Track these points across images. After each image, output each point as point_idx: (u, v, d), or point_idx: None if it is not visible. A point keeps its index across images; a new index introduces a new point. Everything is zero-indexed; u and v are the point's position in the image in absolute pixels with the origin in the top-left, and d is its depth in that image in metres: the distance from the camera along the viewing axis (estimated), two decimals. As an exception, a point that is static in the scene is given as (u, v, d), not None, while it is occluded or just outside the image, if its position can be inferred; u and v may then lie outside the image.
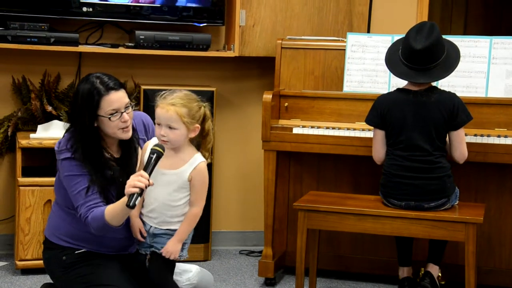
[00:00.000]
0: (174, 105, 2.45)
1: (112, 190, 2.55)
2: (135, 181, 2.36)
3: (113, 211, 2.44)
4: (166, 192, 2.52)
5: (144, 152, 2.55)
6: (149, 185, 2.38)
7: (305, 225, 3.18)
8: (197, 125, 2.49)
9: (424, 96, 3.12)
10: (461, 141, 3.14)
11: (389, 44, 3.57)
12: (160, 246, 2.55)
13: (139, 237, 2.57)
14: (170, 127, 2.45)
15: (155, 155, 2.43)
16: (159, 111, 2.48)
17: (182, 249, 2.55)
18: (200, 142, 2.57)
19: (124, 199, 2.40)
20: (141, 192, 2.37)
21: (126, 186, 2.37)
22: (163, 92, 2.52)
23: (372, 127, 3.28)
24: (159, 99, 2.49)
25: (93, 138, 2.53)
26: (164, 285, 2.55)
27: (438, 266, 3.29)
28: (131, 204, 2.35)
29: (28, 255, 3.52)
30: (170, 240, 2.52)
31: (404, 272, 3.32)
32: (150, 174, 2.40)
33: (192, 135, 2.49)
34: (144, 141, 2.68)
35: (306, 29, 3.98)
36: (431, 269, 3.27)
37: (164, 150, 2.45)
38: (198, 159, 2.52)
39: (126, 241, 2.65)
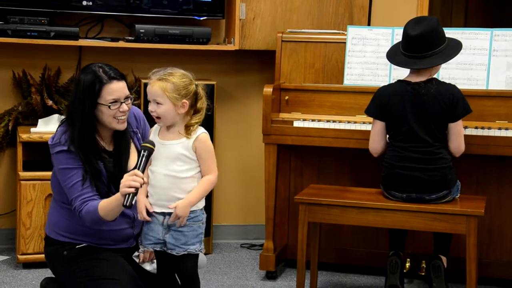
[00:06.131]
0: (160, 80, 2.48)
1: (104, 181, 2.55)
2: (130, 181, 2.35)
3: (107, 207, 2.45)
4: (170, 163, 2.49)
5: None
6: (143, 183, 2.38)
7: (306, 218, 3.18)
8: (185, 100, 2.48)
9: (423, 88, 3.12)
10: (459, 134, 3.13)
11: (389, 37, 3.57)
12: (171, 245, 2.50)
13: (144, 215, 2.47)
14: (157, 103, 2.48)
15: (146, 152, 2.43)
16: (148, 87, 2.52)
17: (201, 242, 2.54)
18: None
19: (118, 196, 2.40)
20: (137, 191, 2.37)
21: (121, 186, 2.37)
22: (156, 69, 2.53)
23: (372, 120, 3.28)
24: (150, 76, 2.52)
25: (89, 128, 2.53)
26: (190, 277, 2.55)
27: (446, 257, 3.27)
28: (127, 204, 2.36)
29: (30, 249, 3.53)
30: (180, 202, 2.46)
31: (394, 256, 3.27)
32: (143, 172, 2.40)
33: (181, 111, 2.49)
34: (136, 134, 2.69)
35: (306, 22, 3.97)
36: (440, 260, 3.24)
37: (154, 146, 2.45)
38: (199, 130, 2.53)
39: (126, 232, 2.65)
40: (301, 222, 3.19)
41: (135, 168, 2.42)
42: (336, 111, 3.54)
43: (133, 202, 2.37)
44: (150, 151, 2.45)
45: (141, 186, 2.38)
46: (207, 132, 2.55)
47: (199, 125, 2.55)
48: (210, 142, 2.54)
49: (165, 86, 2.46)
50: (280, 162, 3.61)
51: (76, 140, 2.51)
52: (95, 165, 2.53)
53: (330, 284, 3.53)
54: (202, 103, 2.54)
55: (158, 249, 2.54)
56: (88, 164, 2.52)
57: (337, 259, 3.69)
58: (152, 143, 2.46)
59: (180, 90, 2.47)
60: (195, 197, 2.49)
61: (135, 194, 2.37)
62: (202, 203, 2.57)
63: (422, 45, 3.09)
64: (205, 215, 2.59)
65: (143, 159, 2.43)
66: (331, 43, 3.72)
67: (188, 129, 2.51)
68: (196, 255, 2.56)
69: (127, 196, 2.36)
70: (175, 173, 2.50)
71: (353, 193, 3.28)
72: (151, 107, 2.49)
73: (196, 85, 2.53)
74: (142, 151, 2.44)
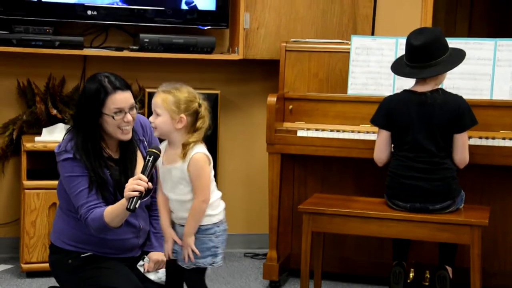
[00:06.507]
0: (164, 92, 2.50)
1: (110, 190, 2.56)
2: (134, 185, 2.38)
3: (112, 213, 2.46)
4: (175, 188, 2.53)
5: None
6: (148, 188, 2.39)
7: (310, 228, 3.18)
8: (183, 115, 2.47)
9: (429, 98, 3.12)
10: (463, 145, 3.13)
11: (393, 47, 3.58)
12: (182, 256, 2.55)
13: (169, 250, 2.56)
14: (156, 114, 2.49)
15: (152, 157, 2.45)
16: (152, 98, 2.55)
17: (216, 255, 2.53)
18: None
19: (123, 201, 2.42)
20: (141, 195, 2.39)
21: (126, 190, 2.39)
22: (166, 83, 2.55)
23: (376, 129, 3.28)
24: (158, 88, 2.55)
25: (94, 137, 2.55)
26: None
27: (451, 268, 3.26)
28: (131, 207, 2.37)
29: (34, 258, 3.53)
30: (182, 240, 2.53)
31: (397, 266, 3.26)
32: (148, 177, 2.42)
33: (179, 126, 2.48)
34: (143, 142, 2.70)
35: (310, 32, 3.98)
36: (446, 271, 3.23)
37: (160, 152, 2.47)
38: (193, 150, 2.50)
39: (131, 242, 2.65)
40: (305, 232, 3.18)
41: (141, 172, 2.43)
42: (340, 121, 3.54)
43: (137, 206, 2.38)
44: (156, 157, 2.46)
45: (145, 190, 2.39)
46: (204, 151, 2.50)
47: (200, 142, 2.52)
48: (204, 163, 2.48)
49: (166, 98, 2.48)
50: (283, 171, 3.61)
51: (81, 148, 2.53)
52: (100, 173, 2.54)
53: (333, 294, 3.53)
54: (203, 123, 2.51)
55: (172, 257, 2.56)
56: (94, 172, 2.53)
57: (340, 269, 3.68)
58: (158, 149, 2.48)
59: (179, 104, 2.47)
60: (190, 228, 2.50)
61: (139, 198, 2.38)
62: (218, 217, 2.56)
63: (425, 54, 3.09)
64: (221, 228, 2.57)
65: (149, 164, 2.44)
66: (335, 53, 3.73)
67: (184, 148, 2.49)
68: (204, 269, 2.55)
69: (131, 199, 2.37)
70: (180, 197, 2.53)
71: (357, 202, 3.28)
72: (151, 118, 2.52)
73: (199, 105, 2.52)
74: (148, 156, 2.46)
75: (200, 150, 2.49)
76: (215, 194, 2.58)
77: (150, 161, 2.45)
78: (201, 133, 2.51)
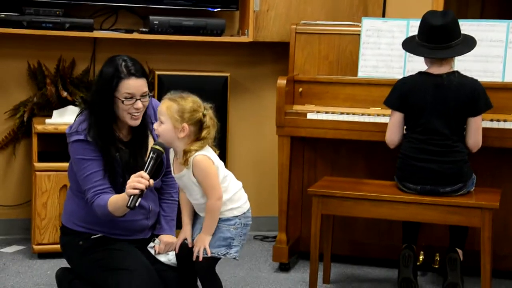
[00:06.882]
0: (169, 99, 2.50)
1: (119, 172, 2.57)
2: (135, 183, 2.38)
3: (116, 203, 2.47)
4: (190, 194, 2.56)
5: None
6: (149, 186, 2.39)
7: (320, 210, 3.18)
8: (185, 125, 2.46)
9: (445, 80, 3.10)
10: (477, 129, 3.11)
11: (404, 29, 3.55)
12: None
13: (177, 246, 2.60)
14: (161, 121, 2.49)
15: (155, 154, 2.45)
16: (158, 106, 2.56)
17: (230, 247, 2.56)
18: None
19: (125, 196, 2.42)
20: (142, 193, 2.38)
21: (127, 187, 2.39)
22: (173, 91, 2.55)
23: (388, 112, 3.27)
24: (164, 97, 2.54)
25: (107, 118, 2.56)
26: (205, 277, 2.58)
27: (462, 250, 3.25)
28: (131, 205, 2.37)
29: (45, 239, 3.56)
30: (198, 237, 2.56)
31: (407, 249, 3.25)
32: (150, 174, 2.42)
33: (181, 135, 2.48)
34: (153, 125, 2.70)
35: (321, 14, 3.95)
36: (457, 253, 3.22)
37: (164, 149, 2.47)
38: (194, 156, 2.51)
39: (141, 223, 2.67)
40: (314, 214, 3.18)
41: (143, 169, 2.43)
42: (350, 103, 3.52)
43: (137, 204, 2.38)
44: (159, 154, 2.46)
45: (146, 188, 2.38)
46: (203, 153, 2.49)
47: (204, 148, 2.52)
48: (206, 162, 2.48)
49: (171, 105, 2.48)
50: (293, 154, 3.61)
51: (94, 129, 2.54)
52: (110, 155, 2.55)
53: (343, 276, 3.53)
54: (207, 133, 2.50)
55: (186, 241, 2.59)
56: (104, 153, 2.54)
57: (350, 252, 3.69)
58: (163, 146, 2.47)
59: (183, 113, 2.47)
60: (208, 227, 2.53)
61: (140, 196, 2.38)
62: (240, 210, 2.58)
63: (445, 35, 3.07)
64: (242, 221, 2.58)
65: (151, 161, 2.44)
66: (346, 35, 3.70)
67: (185, 155, 2.49)
68: (215, 259, 2.57)
69: (131, 197, 2.37)
70: (196, 201, 2.56)
71: (367, 185, 3.27)
72: (155, 125, 2.53)
73: (204, 115, 2.50)
74: (151, 153, 2.46)
75: (199, 153, 2.49)
76: (234, 187, 2.58)
77: (153, 158, 2.44)
78: (205, 142, 2.51)
